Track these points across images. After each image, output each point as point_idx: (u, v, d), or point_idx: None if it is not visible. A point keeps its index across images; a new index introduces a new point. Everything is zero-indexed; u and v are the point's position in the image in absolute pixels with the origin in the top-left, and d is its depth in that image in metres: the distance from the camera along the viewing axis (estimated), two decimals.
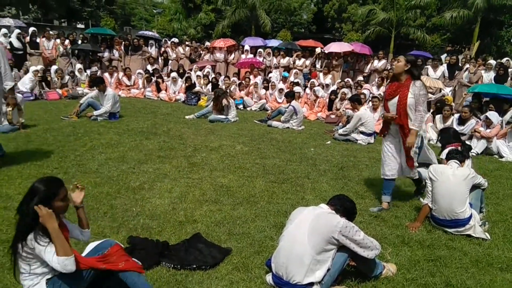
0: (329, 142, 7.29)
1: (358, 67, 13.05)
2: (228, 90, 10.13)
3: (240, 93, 11.18)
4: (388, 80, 4.42)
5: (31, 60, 11.45)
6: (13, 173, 4.53)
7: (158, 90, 11.51)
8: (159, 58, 13.59)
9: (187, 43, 14.97)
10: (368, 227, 3.70)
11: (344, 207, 2.77)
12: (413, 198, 4.53)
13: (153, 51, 13.58)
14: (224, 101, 8.59)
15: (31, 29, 12.41)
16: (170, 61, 13.53)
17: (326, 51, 13.24)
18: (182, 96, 11.28)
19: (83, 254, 2.36)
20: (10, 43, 11.35)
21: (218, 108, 8.63)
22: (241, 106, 10.63)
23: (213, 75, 12.10)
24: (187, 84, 11.36)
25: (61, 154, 5.38)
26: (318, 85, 10.81)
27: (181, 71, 12.32)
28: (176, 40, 14.92)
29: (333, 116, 9.45)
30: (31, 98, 9.47)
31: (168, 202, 4.04)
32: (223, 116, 8.64)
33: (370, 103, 8.89)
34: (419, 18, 24.11)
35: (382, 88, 10.44)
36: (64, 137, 6.30)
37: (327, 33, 29.11)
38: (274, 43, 16.87)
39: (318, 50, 13.36)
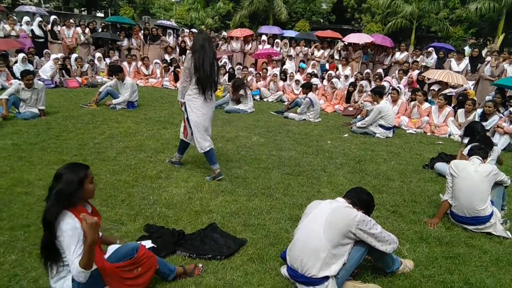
0: (346, 135, 7.20)
1: (378, 59, 12.83)
2: (244, 81, 10.09)
3: (257, 84, 11.12)
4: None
5: (51, 48, 11.62)
6: (34, 159, 4.63)
7: (176, 79, 11.55)
8: (177, 47, 13.62)
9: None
10: (385, 222, 3.65)
11: (361, 200, 2.72)
12: (432, 194, 4.44)
13: (171, 40, 13.64)
14: (242, 92, 8.57)
15: (52, 17, 12.60)
16: (187, 51, 13.53)
17: (345, 42, 13.04)
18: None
19: (106, 256, 2.34)
20: (32, 30, 11.54)
21: (235, 98, 8.62)
22: (257, 97, 10.59)
23: (230, 65, 12.07)
24: None
25: (80, 141, 5.47)
26: (336, 77, 10.66)
27: None
28: (194, 30, 14.90)
29: (351, 109, 9.32)
30: (52, 85, 9.64)
31: (184, 191, 4.06)
32: (240, 107, 8.62)
33: (389, 95, 8.73)
34: (442, 10, 23.43)
35: (403, 81, 10.23)
36: (83, 124, 6.40)
37: (346, 24, 28.61)
38: (291, 33, 16.69)
39: (339, 44, 13.15)
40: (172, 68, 11.77)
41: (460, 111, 7.83)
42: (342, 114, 9.40)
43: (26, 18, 12.13)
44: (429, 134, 7.78)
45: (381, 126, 7.20)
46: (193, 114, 4.35)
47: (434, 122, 7.90)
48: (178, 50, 13.57)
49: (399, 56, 12.10)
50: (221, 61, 12.28)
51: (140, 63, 12.02)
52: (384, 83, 9.72)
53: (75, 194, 2.17)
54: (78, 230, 2.10)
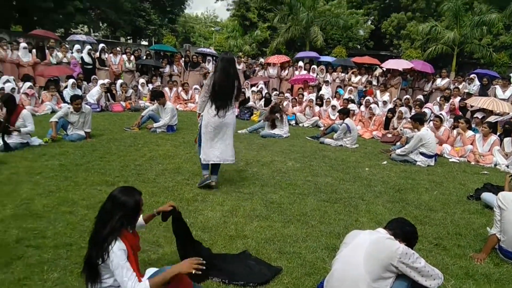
0: (385, 162, 7.00)
1: (418, 85, 12.57)
2: (280, 106, 10.16)
3: (292, 109, 11.17)
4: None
5: (99, 74, 12.31)
6: (79, 179, 4.84)
7: None
8: None
9: (242, 59, 15.33)
10: (428, 255, 3.46)
11: (404, 232, 2.60)
12: (478, 227, 4.18)
13: (210, 67, 14.08)
14: (278, 116, 8.64)
15: (101, 45, 13.42)
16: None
17: (384, 68, 12.91)
18: (235, 111, 11.46)
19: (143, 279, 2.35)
20: (82, 58, 12.33)
21: (272, 123, 8.68)
22: (293, 122, 10.61)
23: (266, 91, 12.24)
24: (241, 99, 11.57)
25: (122, 163, 5.67)
26: (374, 103, 10.51)
27: None
28: None
29: (389, 135, 9.11)
30: (98, 109, 10.16)
31: (220, 215, 4.08)
32: (275, 131, 8.67)
33: (431, 123, 8.46)
34: (486, 36, 22.73)
35: (445, 108, 9.92)
36: (125, 147, 6.66)
37: (384, 50, 28.38)
38: (328, 59, 16.76)
39: (378, 71, 13.04)
40: None
41: (507, 140, 7.43)
42: (380, 140, 9.19)
43: (77, 46, 13.00)
44: (473, 163, 7.42)
45: (422, 154, 6.95)
46: (204, 127, 4.78)
47: (478, 151, 7.54)
48: None
49: (440, 82, 11.80)
50: (257, 87, 12.50)
51: (180, 88, 12.47)
52: (425, 110, 9.46)
53: (134, 220, 2.27)
54: (124, 250, 2.17)
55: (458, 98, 10.20)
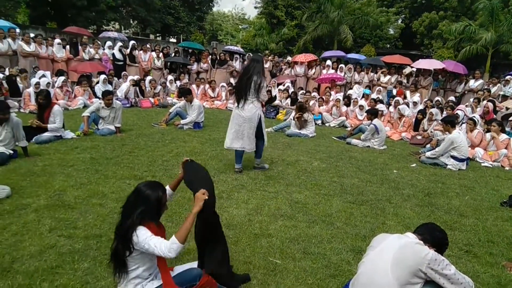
0: (414, 165, 6.83)
1: (450, 86, 12.19)
2: (307, 105, 10.09)
3: (319, 108, 11.07)
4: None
5: (129, 70, 12.60)
6: (109, 173, 4.98)
7: None
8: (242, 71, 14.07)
9: (269, 58, 15.31)
10: (457, 262, 3.36)
11: (434, 237, 2.52)
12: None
13: (237, 65, 14.15)
14: (305, 116, 8.58)
15: (131, 42, 13.73)
16: None
17: (415, 68, 12.58)
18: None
19: (172, 275, 2.41)
20: (113, 54, 12.64)
21: (300, 122, 8.62)
22: (319, 122, 10.51)
23: (292, 90, 12.18)
24: (267, 97, 11.56)
25: (150, 158, 5.79)
26: (404, 103, 10.27)
27: None
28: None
29: (419, 137, 8.87)
30: (127, 105, 10.41)
31: (244, 213, 4.09)
32: (301, 131, 8.61)
33: (464, 125, 8.18)
34: None
35: (479, 110, 9.57)
36: (153, 142, 6.79)
37: (414, 49, 27.64)
38: (358, 56, 16.49)
39: (408, 70, 12.70)
40: None
41: None
42: (409, 142, 8.97)
43: (108, 43, 13.35)
44: (507, 168, 7.12)
45: (453, 157, 6.74)
46: (231, 117, 5.46)
47: None
48: None
49: (473, 84, 11.40)
50: (284, 85, 12.45)
51: (207, 86, 12.59)
52: (458, 112, 9.16)
53: (157, 213, 2.34)
54: (146, 230, 2.23)
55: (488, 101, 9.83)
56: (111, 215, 3.69)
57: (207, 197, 2.32)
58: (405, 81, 12.38)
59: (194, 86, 12.50)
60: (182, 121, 8.30)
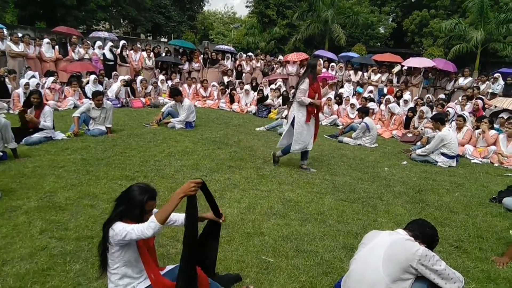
0: (405, 162, 6.89)
1: (440, 84, 12.31)
2: None
3: None
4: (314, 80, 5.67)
5: (120, 70, 12.51)
6: (100, 173, 4.94)
7: (232, 101, 11.88)
8: (234, 70, 14.07)
9: (260, 57, 15.31)
10: (448, 258, 3.40)
11: (424, 233, 2.55)
12: (501, 230, 4.08)
13: (229, 64, 14.12)
14: None
15: (122, 42, 13.63)
16: (243, 74, 13.92)
17: (405, 66, 12.68)
18: (253, 108, 11.51)
19: (162, 273, 2.40)
20: (103, 54, 12.54)
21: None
22: None
23: (284, 88, 12.20)
24: (259, 97, 11.59)
25: (142, 158, 5.76)
26: (394, 102, 10.35)
27: (254, 83, 12.63)
28: (250, 54, 15.34)
29: (410, 135, 8.95)
30: (118, 105, 10.33)
31: (237, 212, 4.10)
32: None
33: (453, 122, 8.27)
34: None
35: (468, 107, 9.69)
36: (145, 143, 6.75)
37: (405, 48, 27.85)
38: (351, 54, 16.56)
39: (397, 68, 12.81)
40: (228, 91, 12.14)
41: None
42: (400, 140, 9.05)
43: (98, 43, 13.24)
44: (496, 164, 7.23)
45: (443, 154, 6.81)
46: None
47: (502, 152, 7.34)
48: (235, 73, 14.00)
49: (463, 81, 11.54)
50: (275, 84, 12.47)
51: (199, 85, 12.55)
52: (449, 110, 9.26)
53: (138, 216, 2.27)
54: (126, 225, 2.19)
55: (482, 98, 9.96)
56: (103, 216, 3.66)
57: (194, 185, 2.20)
58: (395, 80, 12.47)
59: (185, 85, 12.46)
60: (172, 120, 8.27)
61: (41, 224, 3.47)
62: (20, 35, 11.66)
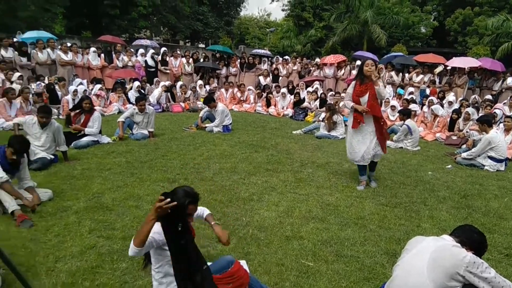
0: (449, 166, 6.62)
1: (486, 85, 11.72)
2: (336, 107, 9.99)
3: None
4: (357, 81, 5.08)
5: (161, 76, 12.92)
6: (143, 176, 5.13)
7: (268, 105, 11.93)
8: (270, 74, 14.14)
9: (297, 59, 15.27)
10: (497, 266, 3.24)
11: (472, 240, 2.44)
12: None
13: (265, 67, 14.20)
14: (335, 117, 8.51)
15: (163, 49, 14.07)
16: (280, 77, 13.95)
17: (449, 66, 12.18)
18: (290, 111, 11.49)
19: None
20: (145, 61, 13.01)
21: (329, 124, 8.56)
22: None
23: (321, 91, 12.09)
24: (295, 100, 11.56)
25: (182, 161, 5.92)
26: (437, 103, 9.96)
27: (290, 87, 12.62)
28: (287, 57, 15.35)
29: (454, 138, 8.58)
30: (159, 110, 10.68)
31: (275, 215, 4.11)
32: (331, 133, 8.54)
33: (501, 124, 7.84)
34: None
35: None
36: (185, 146, 6.93)
37: (448, 47, 26.72)
38: (394, 54, 16.14)
39: (439, 68, 12.32)
40: (264, 94, 12.20)
41: None
42: (444, 143, 8.69)
43: (141, 50, 13.74)
44: None
45: (490, 158, 6.48)
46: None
47: None
48: (271, 76, 14.06)
49: (510, 81, 10.89)
50: (312, 87, 12.38)
51: (236, 89, 12.72)
52: (496, 111, 8.79)
53: (179, 218, 2.33)
54: (159, 236, 2.27)
55: None
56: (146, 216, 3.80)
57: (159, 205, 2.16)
58: (438, 80, 12.01)
59: (223, 90, 12.67)
60: (208, 125, 8.43)
61: (90, 224, 3.67)
62: (68, 44, 12.35)
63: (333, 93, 11.64)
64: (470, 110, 8.81)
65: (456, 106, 9.73)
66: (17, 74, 9.27)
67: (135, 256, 2.26)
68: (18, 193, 3.89)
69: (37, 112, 5.45)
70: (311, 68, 14.39)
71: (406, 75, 12.82)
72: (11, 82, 9.07)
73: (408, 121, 7.88)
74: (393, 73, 12.90)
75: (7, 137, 4.13)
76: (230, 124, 8.63)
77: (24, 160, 4.10)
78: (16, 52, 10.53)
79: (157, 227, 2.27)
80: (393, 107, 10.28)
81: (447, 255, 2.29)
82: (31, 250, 3.18)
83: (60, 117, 9.17)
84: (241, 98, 12.54)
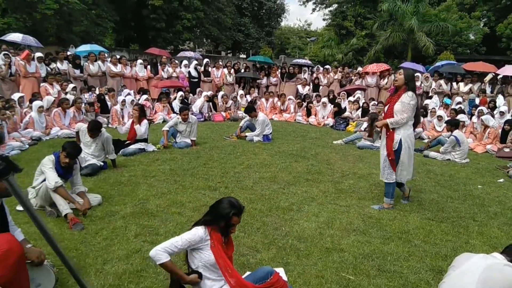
0: (501, 180, 6.24)
1: None
2: (379, 116, 9.75)
3: None
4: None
5: (203, 86, 13.27)
6: (186, 183, 5.28)
7: (308, 114, 11.88)
8: (311, 83, 14.10)
9: (338, 69, 15.12)
10: None
11: None
12: None
13: (306, 77, 14.18)
14: (377, 129, 8.31)
15: (205, 60, 14.47)
16: (320, 87, 13.86)
17: (501, 75, 11.55)
18: (330, 121, 11.37)
19: (243, 277, 2.56)
20: (189, 72, 13.44)
21: (370, 133, 8.39)
22: None
23: (363, 100, 11.87)
24: (336, 109, 11.43)
25: (223, 170, 6.03)
26: (488, 113, 9.46)
27: (331, 96, 12.50)
28: (328, 66, 15.25)
29: (507, 150, 8.10)
30: (201, 119, 10.95)
31: (315, 226, 4.08)
32: (373, 143, 8.35)
33: None
34: None
35: None
36: (225, 155, 7.06)
37: (499, 55, 25.31)
38: (443, 63, 15.59)
39: (489, 76, 11.73)
40: (305, 104, 12.17)
41: None
42: (495, 155, 8.23)
43: (184, 62, 14.22)
44: None
45: None
46: (408, 147, 4.57)
47: None
48: (311, 86, 14.01)
49: None
50: (354, 96, 12.20)
51: (276, 99, 12.79)
52: None
53: (223, 228, 2.50)
54: (196, 238, 2.44)
55: None
56: (189, 223, 3.90)
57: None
58: (489, 89, 11.41)
59: (263, 99, 12.79)
60: (248, 134, 8.53)
61: (136, 229, 3.82)
62: (118, 57, 13.03)
63: (375, 102, 11.40)
64: None
65: (508, 116, 9.20)
66: (71, 86, 9.88)
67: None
68: (71, 197, 4.13)
69: (87, 128, 5.76)
70: (352, 78, 14.18)
71: (454, 84, 12.30)
72: (66, 93, 9.68)
73: (456, 132, 7.54)
74: (442, 81, 12.42)
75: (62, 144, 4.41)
76: (271, 133, 8.68)
77: (76, 166, 4.36)
78: (70, 65, 11.26)
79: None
80: (439, 117, 9.88)
81: (499, 275, 2.17)
82: (81, 251, 3.36)
83: (110, 125, 9.66)
84: (282, 108, 12.58)
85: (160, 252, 2.39)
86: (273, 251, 3.47)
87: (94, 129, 5.67)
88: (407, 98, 4.40)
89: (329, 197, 5.02)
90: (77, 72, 11.25)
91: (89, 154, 5.71)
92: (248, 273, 2.64)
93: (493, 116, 9.39)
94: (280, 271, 2.91)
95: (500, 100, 10.54)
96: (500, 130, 8.80)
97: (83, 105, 9.16)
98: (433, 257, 3.46)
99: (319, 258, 3.40)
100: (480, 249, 3.60)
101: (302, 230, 3.97)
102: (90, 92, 10.33)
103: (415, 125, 4.63)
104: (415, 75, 12.94)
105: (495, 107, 9.98)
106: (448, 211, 4.70)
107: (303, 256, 3.42)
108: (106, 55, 12.64)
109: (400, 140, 4.49)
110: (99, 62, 11.76)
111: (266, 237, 3.75)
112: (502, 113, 9.48)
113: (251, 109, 8.75)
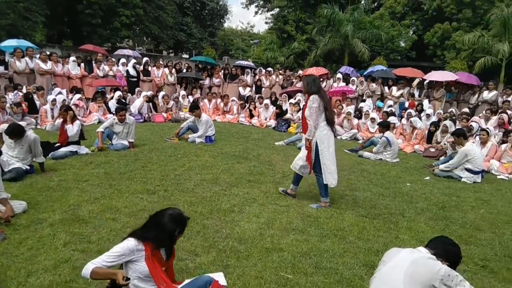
0: (428, 178, 6.75)
1: (463, 98, 12.08)
2: None
3: None
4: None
5: (142, 86, 12.82)
6: (122, 187, 5.04)
7: (251, 116, 11.97)
8: (253, 85, 14.23)
9: (280, 71, 15.43)
10: (473, 277, 3.29)
11: (447, 251, 2.48)
12: None
13: (248, 79, 14.29)
14: None
15: (145, 59, 14.02)
16: (263, 89, 14.04)
17: (427, 80, 12.53)
18: (272, 122, 11.56)
19: (179, 287, 2.48)
20: (127, 71, 12.90)
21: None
22: None
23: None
24: (277, 111, 11.64)
25: (162, 172, 5.85)
26: (416, 116, 10.20)
27: (273, 98, 12.72)
28: (270, 69, 15.50)
29: (432, 150, 8.78)
30: (141, 120, 10.57)
31: (256, 227, 4.09)
32: None
33: (477, 137, 8.07)
34: None
35: (492, 121, 9.44)
36: (166, 157, 6.85)
37: (426, 61, 27.46)
38: (376, 68, 16.51)
39: (416, 81, 12.70)
40: (247, 105, 12.25)
41: None
42: (422, 155, 8.88)
43: (122, 60, 13.64)
44: None
45: (467, 170, 6.64)
46: (326, 149, 4.71)
47: None
48: (254, 88, 14.14)
49: (487, 95, 11.28)
50: (295, 99, 12.51)
51: (219, 100, 12.73)
52: (472, 124, 9.05)
53: (165, 243, 2.44)
54: (126, 251, 2.36)
55: (509, 112, 9.69)
56: (124, 229, 3.73)
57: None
58: (417, 93, 12.32)
59: (206, 100, 12.66)
60: (191, 135, 8.39)
61: (65, 237, 3.56)
62: (48, 53, 12.15)
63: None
64: (447, 122, 9.04)
65: (434, 118, 9.98)
66: None
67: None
68: None
69: (5, 132, 5.26)
70: (293, 80, 14.55)
71: (386, 88, 13.11)
72: None
73: (387, 133, 8.02)
74: (374, 85, 13.17)
75: None
76: (213, 135, 8.60)
77: None
78: None
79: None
80: (373, 120, 10.46)
81: (423, 268, 2.31)
82: (2, 263, 3.07)
83: (38, 126, 8.97)
84: (225, 109, 12.55)
85: (90, 266, 2.30)
86: (213, 254, 3.42)
87: (13, 134, 5.17)
88: (309, 103, 4.64)
89: (270, 198, 5.07)
90: (1, 68, 10.32)
91: (12, 157, 5.22)
92: (186, 281, 2.56)
93: (420, 118, 10.13)
94: (220, 276, 2.86)
95: (425, 103, 11.41)
96: (426, 132, 9.52)
97: (7, 105, 8.40)
98: (366, 253, 3.63)
99: (259, 259, 3.41)
100: (409, 243, 3.84)
101: (243, 231, 3.96)
102: (15, 91, 9.51)
103: (331, 125, 4.73)
104: (351, 79, 13.67)
105: (422, 110, 10.79)
106: (380, 208, 4.97)
107: (243, 257, 3.41)
108: (34, 51, 11.71)
109: (316, 142, 4.69)
110: (27, 58, 10.87)
111: (206, 240, 3.69)
112: (428, 116, 10.26)
113: (194, 107, 8.60)
